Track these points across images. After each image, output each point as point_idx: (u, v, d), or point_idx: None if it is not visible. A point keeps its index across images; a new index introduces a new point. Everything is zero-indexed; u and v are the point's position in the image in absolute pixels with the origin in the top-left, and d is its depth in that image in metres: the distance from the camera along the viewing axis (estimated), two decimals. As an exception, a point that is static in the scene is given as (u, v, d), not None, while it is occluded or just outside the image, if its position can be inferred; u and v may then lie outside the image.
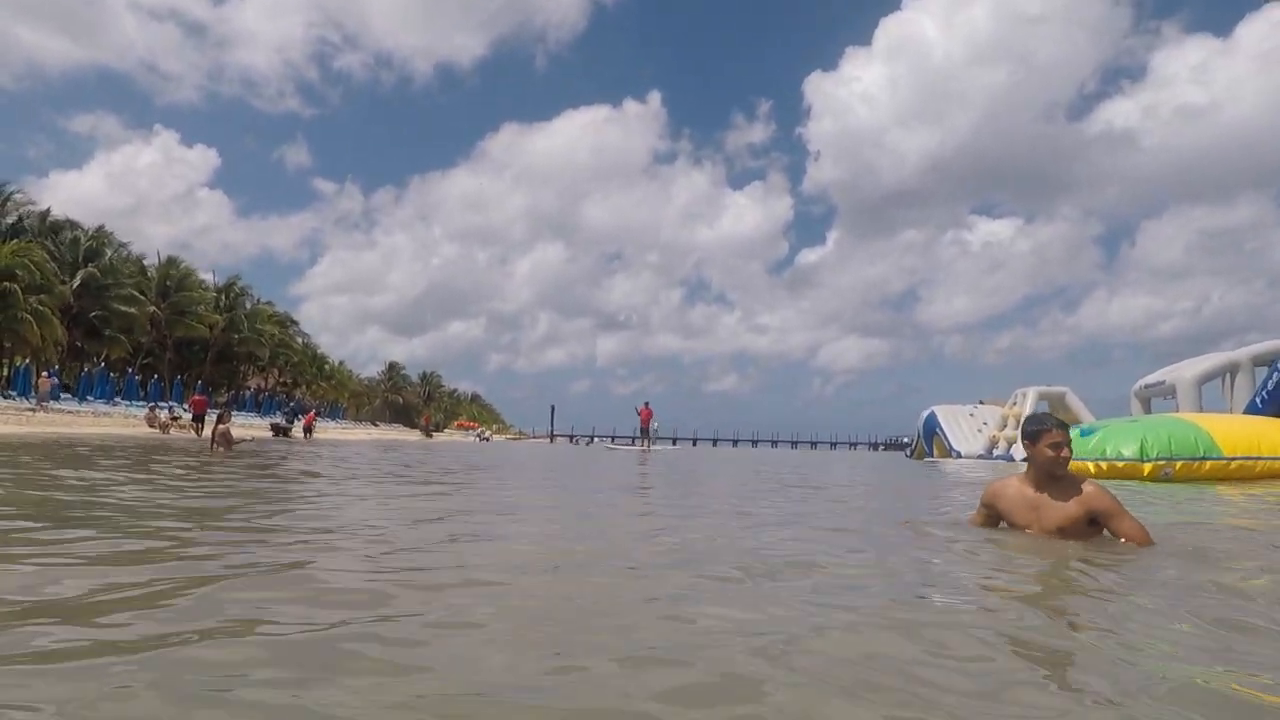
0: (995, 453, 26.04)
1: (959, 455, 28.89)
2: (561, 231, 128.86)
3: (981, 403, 32.47)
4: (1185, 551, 3.23)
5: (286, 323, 51.78)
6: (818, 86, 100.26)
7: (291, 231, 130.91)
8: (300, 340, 54.28)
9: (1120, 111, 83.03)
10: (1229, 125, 74.81)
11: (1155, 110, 76.92)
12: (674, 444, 48.86)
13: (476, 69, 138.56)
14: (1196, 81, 75.67)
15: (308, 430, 29.79)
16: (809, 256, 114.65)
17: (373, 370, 71.67)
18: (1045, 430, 3.33)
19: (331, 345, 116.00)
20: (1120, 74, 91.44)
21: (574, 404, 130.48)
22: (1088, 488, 3.31)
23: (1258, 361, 19.11)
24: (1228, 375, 20.23)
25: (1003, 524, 3.51)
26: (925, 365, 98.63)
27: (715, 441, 72.98)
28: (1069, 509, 3.24)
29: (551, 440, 45.15)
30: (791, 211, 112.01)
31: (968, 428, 30.55)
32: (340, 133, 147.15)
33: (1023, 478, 3.45)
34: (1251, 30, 73.92)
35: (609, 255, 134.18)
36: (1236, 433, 11.82)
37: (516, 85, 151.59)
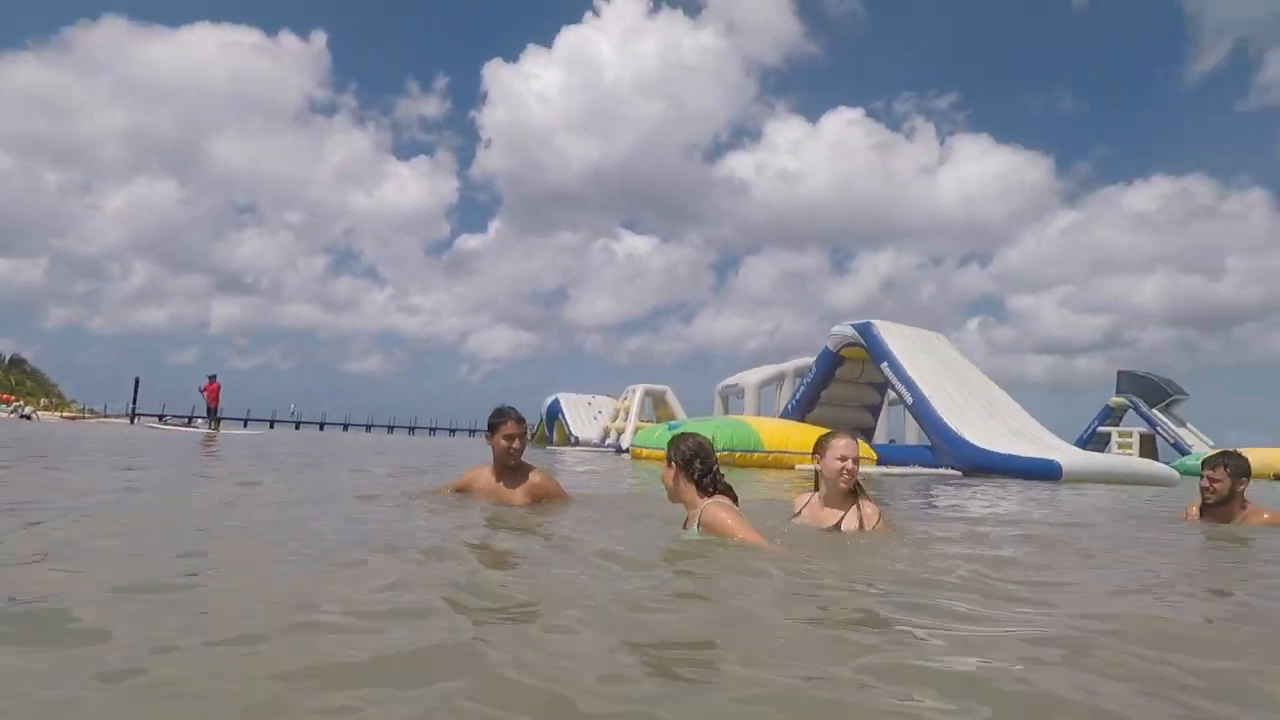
0: (607, 441, 28.70)
1: (577, 441, 31.29)
2: (177, 166, 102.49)
3: (607, 395, 35.66)
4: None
5: None
6: (496, 74, 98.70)
7: None
8: None
9: (741, 164, 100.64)
10: (808, 192, 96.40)
11: (764, 169, 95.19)
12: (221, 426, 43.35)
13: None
14: (792, 153, 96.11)
15: None
16: (469, 242, 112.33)
17: None
18: (502, 423, 3.54)
19: None
20: (744, 133, 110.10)
21: (174, 377, 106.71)
22: (534, 477, 3.63)
23: (797, 373, 24.38)
24: (779, 382, 25.56)
25: None
26: (567, 359, 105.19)
27: (346, 426, 67.29)
28: (519, 496, 3.57)
29: (133, 421, 35.17)
30: (457, 194, 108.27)
31: (586, 415, 33.41)
32: None
33: (492, 467, 3.67)
34: (830, 122, 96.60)
35: (239, 206, 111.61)
36: (776, 432, 15.12)
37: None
